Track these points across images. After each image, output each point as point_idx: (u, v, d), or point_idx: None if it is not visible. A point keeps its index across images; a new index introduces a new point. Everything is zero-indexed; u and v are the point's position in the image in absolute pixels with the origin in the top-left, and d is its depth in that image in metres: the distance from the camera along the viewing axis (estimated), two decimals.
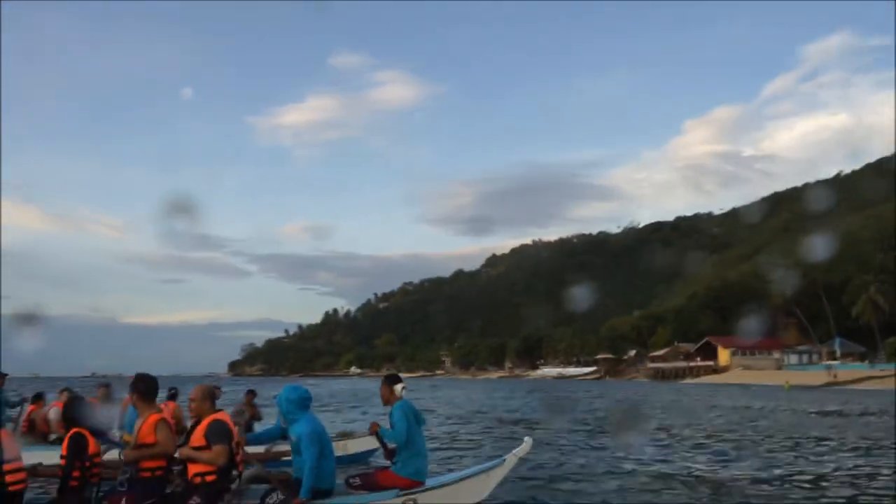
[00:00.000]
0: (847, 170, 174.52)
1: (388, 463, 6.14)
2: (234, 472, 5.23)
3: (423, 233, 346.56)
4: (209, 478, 4.98)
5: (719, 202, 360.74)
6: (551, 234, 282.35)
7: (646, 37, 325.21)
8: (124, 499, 5.06)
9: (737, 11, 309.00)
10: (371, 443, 11.63)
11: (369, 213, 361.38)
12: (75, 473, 4.99)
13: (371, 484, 5.72)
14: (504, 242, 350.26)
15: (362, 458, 10.32)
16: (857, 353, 77.84)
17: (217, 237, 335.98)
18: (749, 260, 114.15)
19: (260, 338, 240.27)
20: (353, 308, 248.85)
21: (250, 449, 5.80)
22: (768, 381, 62.70)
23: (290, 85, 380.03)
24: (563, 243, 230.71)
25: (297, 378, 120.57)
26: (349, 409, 27.85)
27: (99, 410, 9.11)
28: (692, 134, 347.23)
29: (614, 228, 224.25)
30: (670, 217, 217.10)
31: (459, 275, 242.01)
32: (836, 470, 11.02)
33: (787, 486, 9.52)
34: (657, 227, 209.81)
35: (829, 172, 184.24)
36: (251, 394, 12.23)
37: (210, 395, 5.38)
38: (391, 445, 6.00)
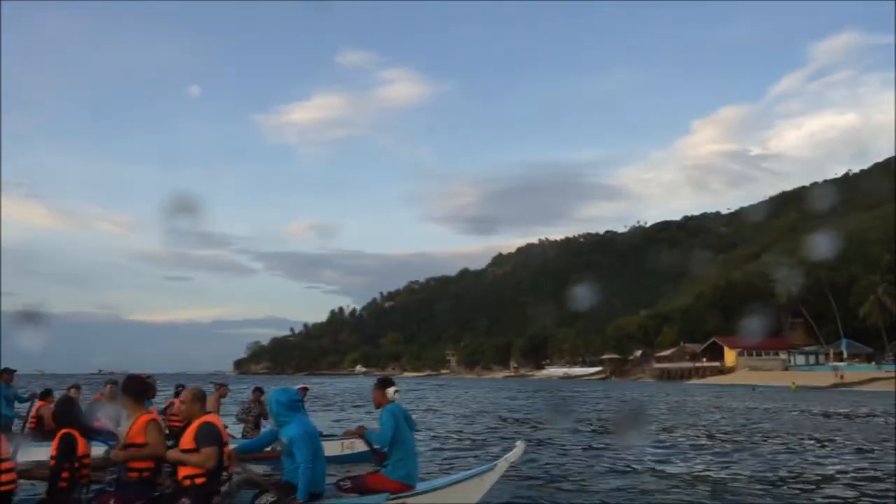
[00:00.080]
0: (855, 169, 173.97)
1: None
2: (224, 475, 5.21)
3: (429, 231, 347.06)
4: (199, 480, 4.97)
5: (726, 202, 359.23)
6: (558, 234, 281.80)
7: (653, 36, 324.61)
8: (112, 500, 5.05)
9: (744, 10, 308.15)
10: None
11: (375, 211, 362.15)
12: (64, 474, 4.98)
13: (361, 487, 5.71)
14: (510, 241, 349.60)
15: (365, 457, 10.33)
16: (863, 354, 77.46)
17: (223, 235, 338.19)
18: (756, 260, 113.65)
19: (265, 336, 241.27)
20: (358, 307, 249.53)
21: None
22: (775, 382, 62.49)
23: (295, 83, 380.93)
24: (569, 243, 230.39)
25: (303, 376, 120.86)
26: (354, 408, 27.93)
27: (106, 407, 9.26)
28: (700, 133, 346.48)
29: (621, 228, 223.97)
30: (677, 217, 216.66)
31: (465, 274, 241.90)
32: (838, 471, 11.02)
33: (789, 487, 9.53)
34: (664, 227, 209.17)
35: (836, 172, 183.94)
36: (259, 391, 12.17)
37: (200, 398, 5.36)
38: (378, 447, 5.98)
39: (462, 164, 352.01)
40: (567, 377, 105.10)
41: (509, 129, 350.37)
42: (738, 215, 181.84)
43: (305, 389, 12.25)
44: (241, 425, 11.82)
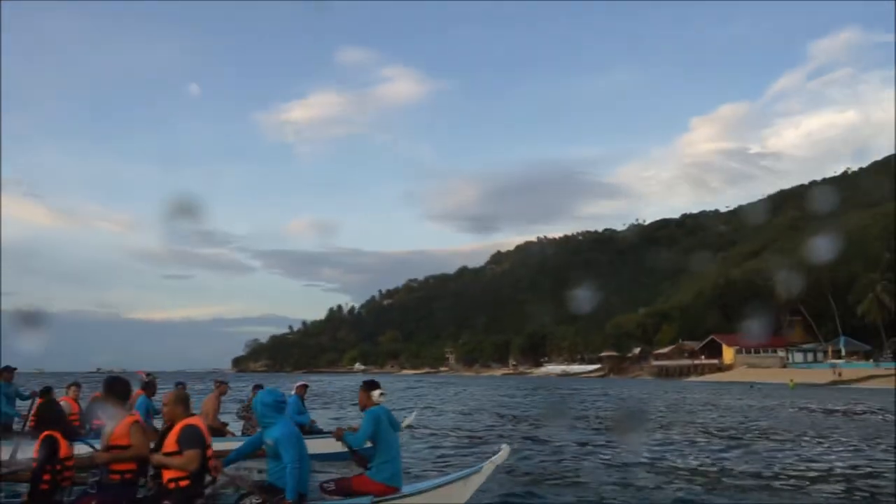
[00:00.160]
0: (854, 167, 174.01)
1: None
2: (208, 478, 5.18)
3: (428, 229, 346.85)
4: (182, 483, 4.96)
5: (725, 200, 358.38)
6: (557, 232, 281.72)
7: (652, 34, 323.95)
8: (94, 502, 5.05)
9: (744, 8, 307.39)
10: None
11: (374, 209, 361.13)
12: (46, 476, 4.95)
13: (345, 489, 5.69)
14: (509, 239, 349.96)
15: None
16: (862, 351, 77.65)
17: (222, 233, 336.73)
18: (755, 258, 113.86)
19: (264, 334, 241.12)
20: (357, 304, 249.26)
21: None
22: (773, 380, 62.61)
23: (295, 81, 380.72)
24: (568, 240, 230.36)
25: (301, 374, 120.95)
26: (353, 406, 28.00)
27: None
28: (699, 131, 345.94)
29: (620, 226, 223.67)
30: (676, 215, 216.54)
31: (464, 272, 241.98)
32: (833, 468, 11.09)
33: (783, 483, 9.58)
34: (663, 225, 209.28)
35: (836, 170, 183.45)
36: (259, 388, 12.19)
37: (183, 400, 5.35)
38: (356, 448, 5.98)
39: (461, 162, 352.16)
40: (565, 375, 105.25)
41: (508, 127, 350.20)
42: (737, 213, 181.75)
43: (305, 387, 12.29)
44: (242, 422, 11.87)
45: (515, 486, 9.02)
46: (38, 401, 10.64)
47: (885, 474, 10.41)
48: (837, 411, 26.06)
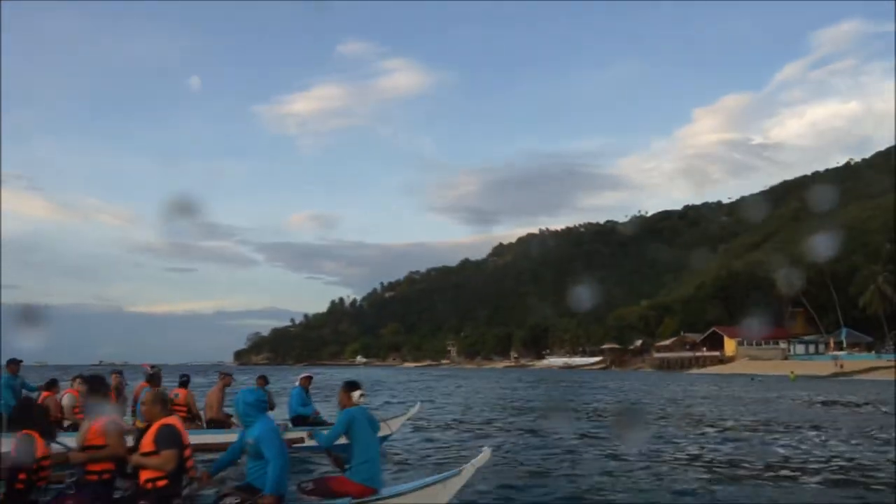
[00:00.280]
0: (857, 158, 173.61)
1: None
2: (186, 479, 5.12)
3: (430, 222, 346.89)
4: (160, 483, 4.92)
5: (728, 191, 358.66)
6: (559, 224, 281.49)
7: (654, 25, 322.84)
8: (71, 502, 5.03)
9: None
10: (381, 430, 11.81)
11: (376, 202, 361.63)
12: (21, 476, 4.88)
13: (323, 490, 5.65)
14: (511, 231, 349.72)
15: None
16: (863, 343, 77.65)
17: (224, 226, 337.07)
18: (757, 249, 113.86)
19: (266, 327, 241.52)
20: (359, 297, 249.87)
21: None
22: (774, 372, 62.66)
23: (296, 73, 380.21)
24: (570, 232, 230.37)
25: (303, 367, 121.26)
26: None
27: (112, 398, 9.36)
28: (701, 122, 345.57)
29: (622, 218, 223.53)
30: (678, 206, 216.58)
31: (466, 264, 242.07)
32: (830, 459, 11.14)
33: (781, 473, 9.62)
34: (665, 217, 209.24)
35: (838, 161, 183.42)
36: (262, 379, 12.07)
37: (161, 400, 5.30)
38: (327, 445, 5.97)
39: (462, 154, 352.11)
40: (567, 367, 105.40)
41: (510, 119, 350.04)
42: (739, 205, 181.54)
43: (309, 378, 12.36)
44: None
45: (514, 478, 9.09)
46: (42, 394, 10.74)
47: (882, 466, 10.47)
48: (838, 403, 26.12)
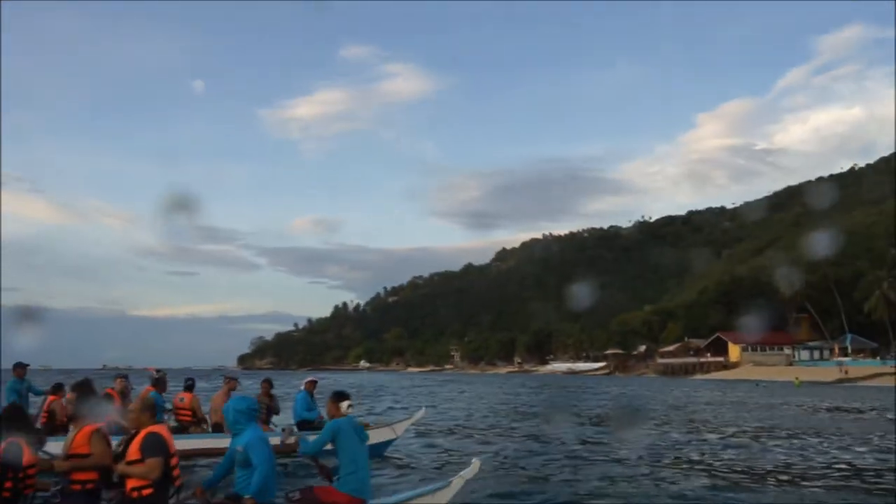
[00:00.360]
0: (861, 163, 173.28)
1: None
2: (172, 488, 5.08)
3: (433, 226, 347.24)
4: (145, 492, 4.87)
5: (731, 196, 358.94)
6: (562, 229, 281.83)
7: (657, 30, 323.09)
8: None
9: (750, 4, 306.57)
10: (385, 434, 11.84)
11: (379, 206, 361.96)
12: (7, 484, 4.84)
13: (311, 500, 5.62)
14: (514, 236, 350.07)
15: (375, 450, 10.00)
16: (868, 349, 77.36)
17: (227, 230, 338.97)
18: (760, 255, 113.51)
19: (269, 331, 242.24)
20: (362, 302, 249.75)
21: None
22: (779, 378, 62.51)
23: (299, 78, 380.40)
24: (573, 237, 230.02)
25: (307, 371, 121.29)
26: (357, 405, 28.13)
27: (117, 402, 9.43)
28: (704, 128, 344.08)
29: (625, 223, 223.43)
30: (682, 211, 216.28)
31: (469, 269, 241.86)
32: (832, 465, 11.14)
33: (784, 479, 9.65)
34: (668, 222, 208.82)
35: (842, 166, 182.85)
36: (267, 383, 12.06)
37: (149, 408, 5.25)
38: (311, 453, 5.99)
39: (465, 158, 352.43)
40: (571, 372, 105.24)
41: (513, 124, 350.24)
42: (742, 210, 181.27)
43: (314, 382, 12.39)
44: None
45: (516, 483, 9.12)
46: (49, 398, 10.80)
47: (884, 473, 10.46)
48: (842, 409, 26.05)
